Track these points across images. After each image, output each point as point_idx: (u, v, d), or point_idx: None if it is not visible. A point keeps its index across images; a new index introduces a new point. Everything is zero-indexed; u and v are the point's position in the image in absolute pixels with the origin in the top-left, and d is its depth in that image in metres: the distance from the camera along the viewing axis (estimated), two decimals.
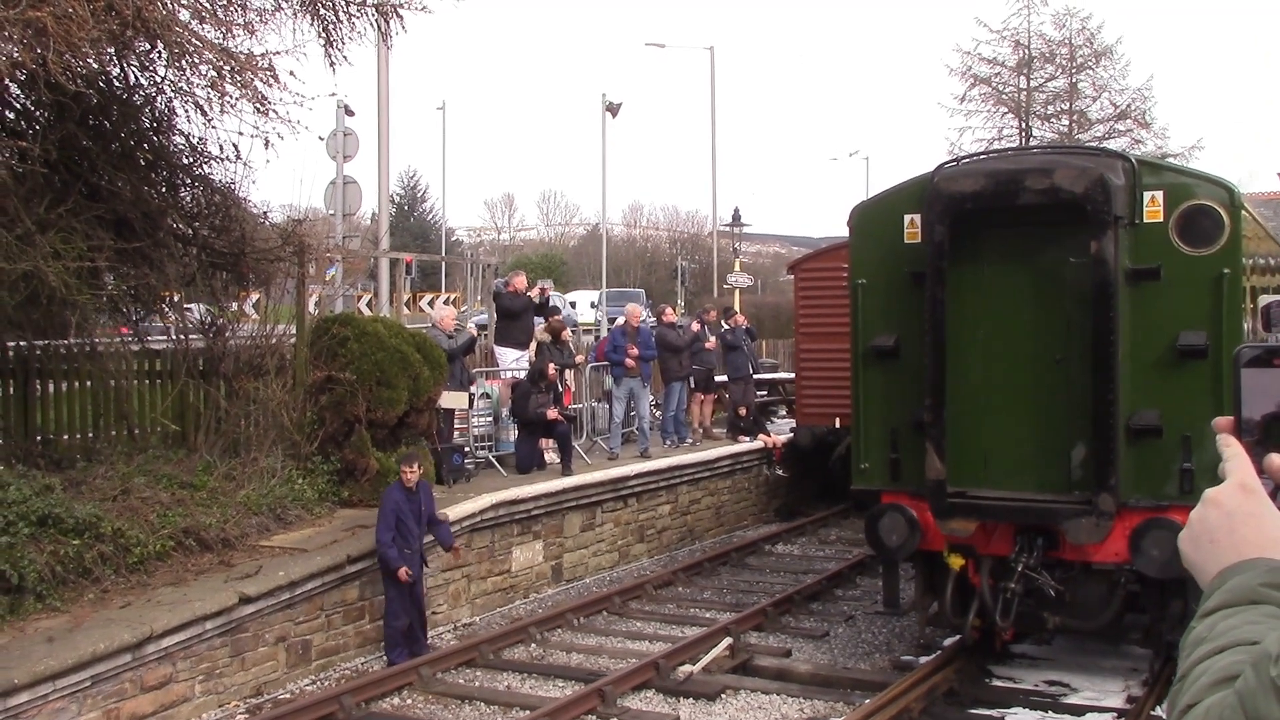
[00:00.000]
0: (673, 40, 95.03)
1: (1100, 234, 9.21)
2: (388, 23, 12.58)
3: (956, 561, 10.04)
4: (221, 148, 11.85)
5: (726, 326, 19.86)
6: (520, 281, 17.23)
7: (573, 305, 38.95)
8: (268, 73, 10.94)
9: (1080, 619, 9.78)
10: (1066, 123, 36.70)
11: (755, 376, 20.30)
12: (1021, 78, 36.66)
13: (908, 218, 10.27)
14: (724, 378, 19.57)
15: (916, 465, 9.98)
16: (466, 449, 14.78)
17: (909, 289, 10.12)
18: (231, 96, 10.91)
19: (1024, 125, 36.61)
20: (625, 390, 16.92)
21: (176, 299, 13.00)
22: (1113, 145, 31.13)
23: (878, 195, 11.11)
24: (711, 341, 18.77)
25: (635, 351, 16.95)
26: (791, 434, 18.68)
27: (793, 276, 19.08)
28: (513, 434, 15.48)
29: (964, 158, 11.23)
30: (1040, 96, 37.04)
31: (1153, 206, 9.48)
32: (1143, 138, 35.76)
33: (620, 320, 17.80)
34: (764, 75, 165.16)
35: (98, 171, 10.90)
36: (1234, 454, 1.25)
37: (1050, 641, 11.29)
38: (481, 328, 18.59)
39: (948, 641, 10.95)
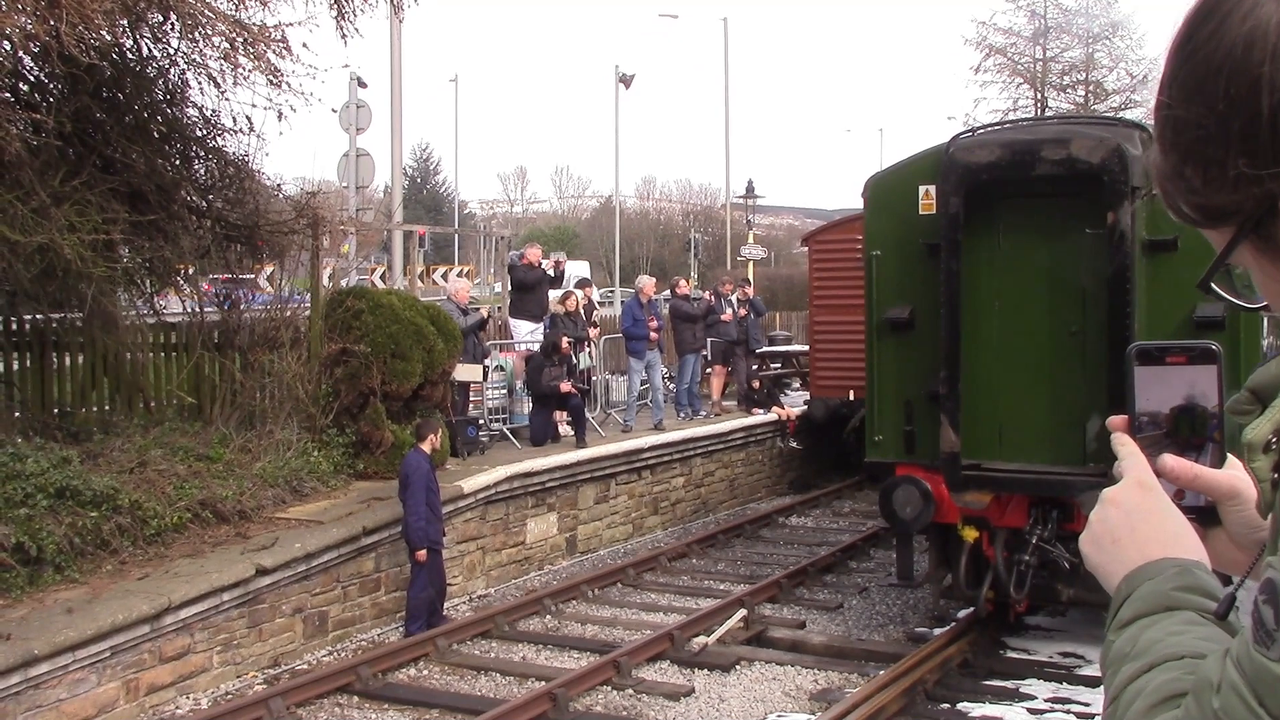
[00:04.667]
0: (686, 11, 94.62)
1: (1117, 205, 9.15)
2: None
3: (971, 534, 10.03)
4: (235, 120, 11.85)
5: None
6: (534, 254, 17.20)
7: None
8: (280, 44, 10.92)
9: (1095, 591, 9.72)
10: (1082, 93, 36.44)
11: (762, 350, 20.23)
12: (1037, 48, 36.36)
13: (923, 189, 10.21)
14: None
15: (931, 437, 9.96)
16: (481, 421, 14.80)
17: (924, 260, 10.07)
18: (244, 68, 10.90)
19: (1039, 96, 36.33)
20: (643, 363, 16.91)
21: (191, 271, 13.02)
22: (1130, 116, 30.85)
23: (892, 166, 11.04)
24: (728, 314, 18.70)
25: (655, 324, 16.94)
26: (805, 406, 18.67)
27: (806, 248, 19.01)
28: (527, 406, 15.51)
29: (979, 128, 11.14)
30: (1056, 67, 36.76)
31: None
32: None
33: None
34: (778, 46, 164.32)
35: (111, 144, 10.89)
36: (1129, 453, 1.23)
37: (1065, 614, 11.30)
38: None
39: (962, 613, 10.96)
